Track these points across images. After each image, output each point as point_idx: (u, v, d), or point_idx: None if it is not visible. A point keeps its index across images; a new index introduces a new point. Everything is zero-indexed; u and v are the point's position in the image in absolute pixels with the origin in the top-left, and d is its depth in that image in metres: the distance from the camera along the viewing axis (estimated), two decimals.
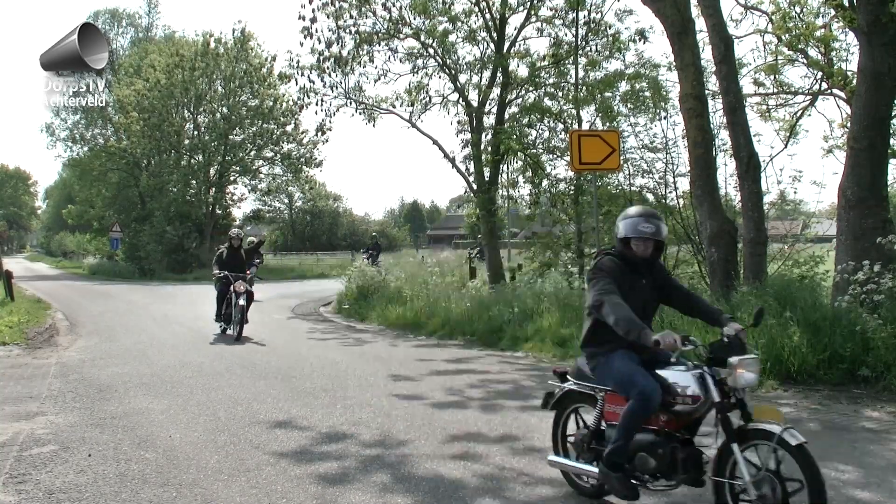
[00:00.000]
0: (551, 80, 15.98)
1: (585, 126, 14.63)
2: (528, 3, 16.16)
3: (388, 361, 9.24)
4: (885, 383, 6.54)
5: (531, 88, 16.17)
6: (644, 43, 14.96)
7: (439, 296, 13.37)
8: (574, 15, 15.06)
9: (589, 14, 15.24)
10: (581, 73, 14.96)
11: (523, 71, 16.56)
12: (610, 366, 3.89)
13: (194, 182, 37.47)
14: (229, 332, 11.67)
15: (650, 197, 13.99)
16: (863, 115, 8.25)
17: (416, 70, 16.93)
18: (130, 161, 37.85)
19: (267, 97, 36.22)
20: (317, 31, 16.23)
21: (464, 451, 5.07)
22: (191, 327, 13.17)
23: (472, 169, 16.37)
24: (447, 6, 16.01)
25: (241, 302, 11.31)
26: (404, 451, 5.11)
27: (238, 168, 38.32)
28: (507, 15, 16.31)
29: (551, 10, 16.01)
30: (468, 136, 16.39)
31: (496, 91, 16.33)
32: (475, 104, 16.54)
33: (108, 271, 36.31)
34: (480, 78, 16.87)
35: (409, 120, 17.15)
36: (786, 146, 13.57)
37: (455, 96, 16.86)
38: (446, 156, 16.54)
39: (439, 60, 16.60)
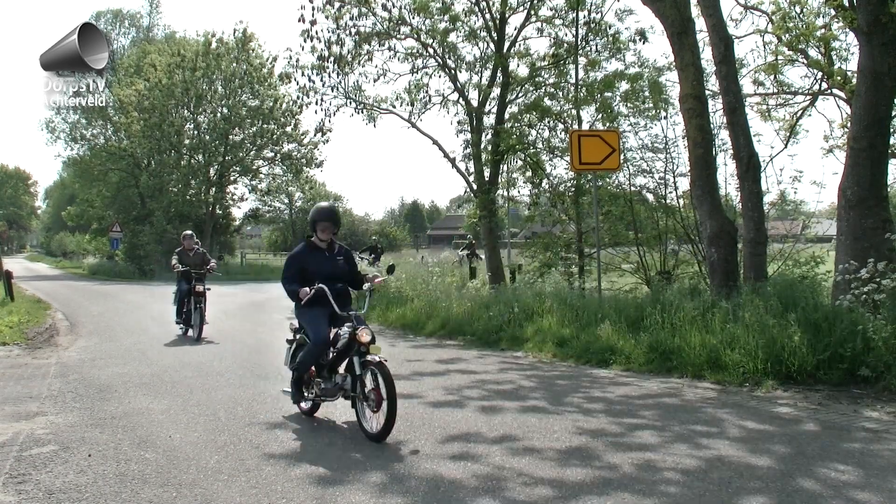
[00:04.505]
0: (551, 80, 15.98)
1: (585, 126, 14.64)
2: (528, 3, 16.15)
3: (387, 362, 9.22)
4: (885, 383, 6.53)
5: (531, 88, 16.17)
6: (644, 43, 14.97)
7: (439, 296, 13.37)
8: (574, 15, 15.07)
9: (589, 14, 15.24)
10: (581, 73, 14.97)
11: (523, 71, 16.57)
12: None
13: (194, 182, 37.49)
14: (190, 333, 11.87)
15: (650, 197, 14.01)
16: (863, 115, 8.25)
17: (415, 70, 16.93)
18: (130, 161, 37.85)
19: (267, 97, 36.23)
20: (317, 34, 16.26)
21: (463, 451, 5.07)
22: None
23: (472, 169, 16.37)
24: (447, 6, 16.01)
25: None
26: (403, 451, 5.11)
27: (238, 168, 38.34)
28: (507, 15, 16.31)
29: (551, 10, 16.01)
30: (468, 135, 16.39)
31: (496, 91, 16.32)
32: (475, 104, 16.53)
33: (108, 271, 36.34)
34: (480, 77, 16.86)
35: (408, 120, 17.16)
36: (786, 146, 13.63)
37: (455, 96, 16.86)
38: (446, 156, 16.54)
39: (439, 60, 16.60)
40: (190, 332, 11.93)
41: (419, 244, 61.86)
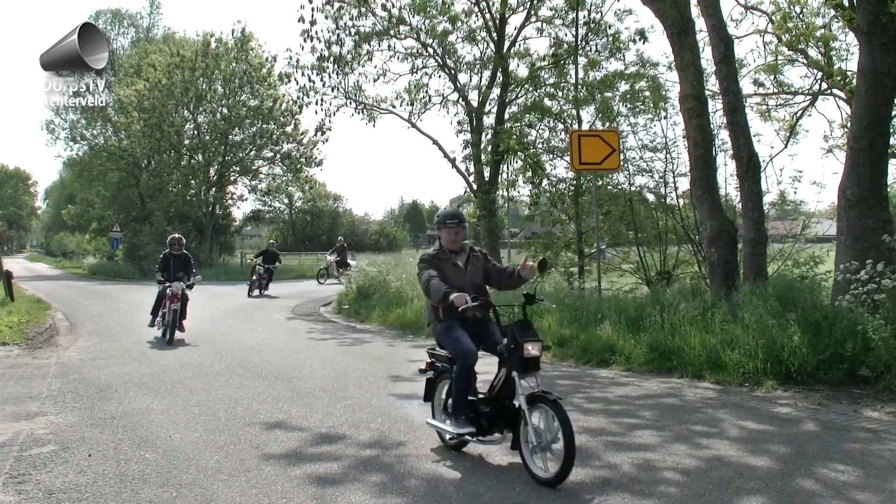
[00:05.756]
0: (551, 80, 15.99)
1: (585, 126, 14.64)
2: (528, 3, 16.17)
3: (387, 362, 9.24)
4: (885, 383, 6.53)
5: (531, 88, 16.18)
6: (644, 43, 15.00)
7: None
8: (574, 15, 15.09)
9: (589, 14, 15.27)
10: (581, 73, 14.97)
11: (523, 71, 16.59)
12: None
13: (194, 182, 37.46)
14: (159, 334, 11.47)
15: (650, 197, 14.01)
16: (863, 115, 8.25)
17: (415, 70, 16.96)
18: (130, 161, 37.83)
19: (267, 97, 36.21)
20: (316, 34, 16.29)
21: (463, 452, 5.07)
22: (190, 327, 13.16)
23: (472, 169, 16.39)
24: (447, 6, 16.03)
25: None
26: (404, 452, 5.11)
27: (238, 168, 38.31)
28: (507, 15, 16.34)
29: (551, 10, 16.06)
30: (468, 136, 16.41)
31: (496, 91, 16.34)
32: (475, 104, 16.55)
33: (108, 271, 36.29)
34: (480, 78, 16.90)
35: (408, 120, 17.19)
36: (786, 146, 13.61)
37: (455, 96, 16.91)
38: (446, 156, 16.56)
39: (439, 60, 16.62)
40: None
41: (419, 244, 61.86)
